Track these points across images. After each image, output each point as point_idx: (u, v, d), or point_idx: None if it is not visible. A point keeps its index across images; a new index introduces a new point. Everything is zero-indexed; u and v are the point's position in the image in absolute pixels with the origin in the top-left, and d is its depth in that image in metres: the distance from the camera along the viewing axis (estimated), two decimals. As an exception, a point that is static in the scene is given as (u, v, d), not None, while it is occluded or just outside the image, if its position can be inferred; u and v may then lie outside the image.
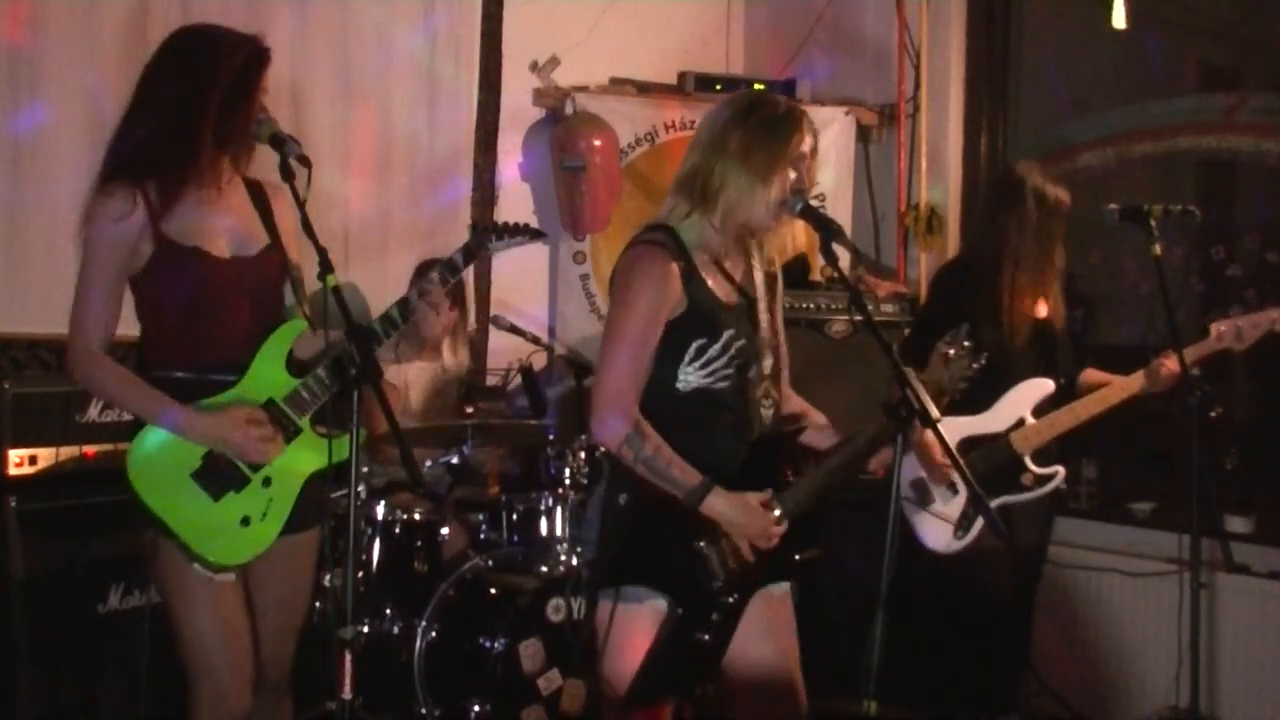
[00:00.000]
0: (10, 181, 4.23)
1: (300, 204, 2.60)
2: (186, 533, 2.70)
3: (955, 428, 3.76)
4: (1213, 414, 3.46)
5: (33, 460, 3.63)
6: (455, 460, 4.33)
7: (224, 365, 2.78)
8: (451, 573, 4.00)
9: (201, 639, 2.74)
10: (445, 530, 4.14)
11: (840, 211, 5.55)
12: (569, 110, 5.35)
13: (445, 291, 2.88)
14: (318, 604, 3.40)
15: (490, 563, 4.05)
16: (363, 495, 3.88)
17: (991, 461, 3.78)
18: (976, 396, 3.69)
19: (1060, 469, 3.86)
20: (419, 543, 4.09)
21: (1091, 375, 3.99)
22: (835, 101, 5.63)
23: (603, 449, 4.16)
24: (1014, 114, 5.48)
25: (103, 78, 4.36)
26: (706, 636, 2.66)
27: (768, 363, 2.80)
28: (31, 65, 4.27)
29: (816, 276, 4.95)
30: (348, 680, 2.47)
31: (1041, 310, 3.93)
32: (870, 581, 2.48)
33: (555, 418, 4.61)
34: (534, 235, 3.20)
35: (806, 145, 2.71)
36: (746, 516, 2.65)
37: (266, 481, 2.79)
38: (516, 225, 3.17)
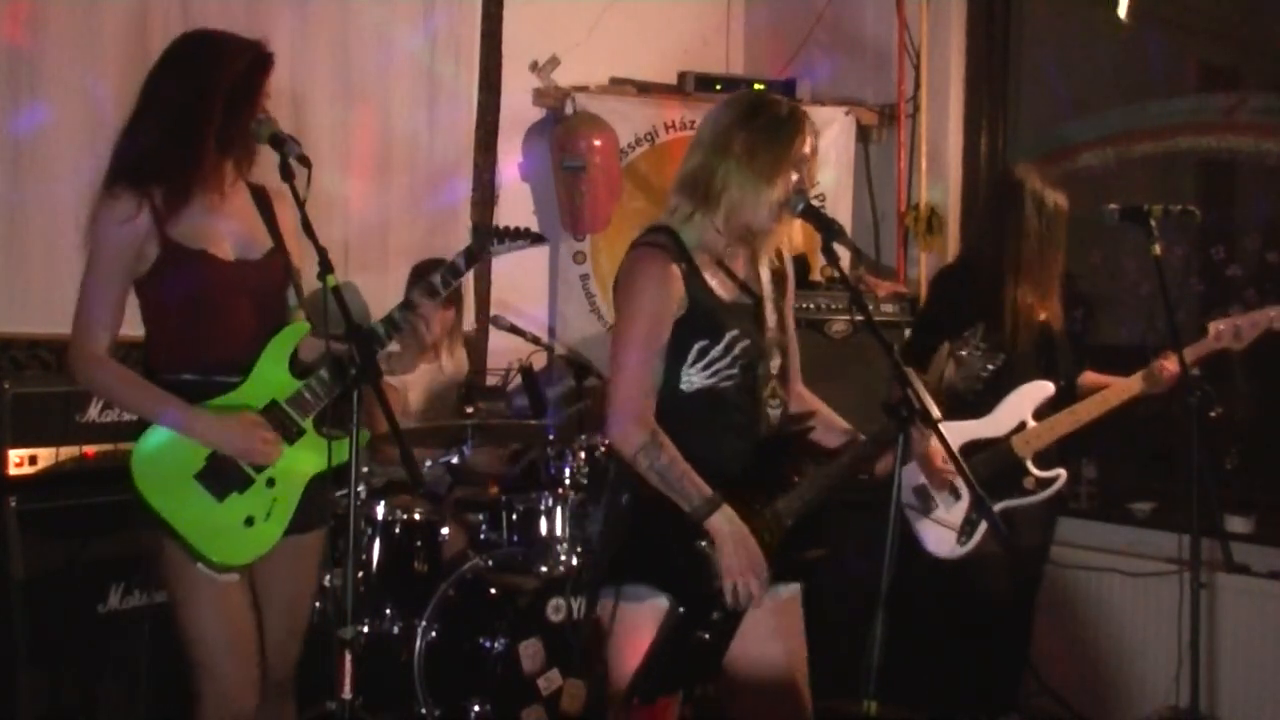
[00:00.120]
0: (10, 181, 4.23)
1: (300, 204, 2.61)
2: (190, 533, 2.71)
3: (956, 432, 3.76)
4: (1213, 414, 3.46)
5: (33, 460, 3.63)
6: (455, 460, 4.33)
7: (228, 367, 2.79)
8: (451, 573, 4.00)
9: (206, 639, 2.75)
10: (445, 530, 4.14)
11: (840, 211, 5.55)
12: (569, 110, 5.35)
13: (439, 300, 2.90)
14: (318, 604, 3.40)
15: (490, 563, 4.05)
16: (363, 495, 3.88)
17: (993, 465, 3.78)
18: (977, 400, 3.71)
19: (1062, 472, 3.86)
20: (419, 543, 4.09)
21: (1091, 378, 3.99)
22: (835, 101, 5.63)
23: (607, 451, 4.25)
24: (1014, 114, 5.47)
25: (103, 78, 4.36)
26: (707, 635, 2.66)
27: (775, 362, 2.79)
28: (31, 65, 4.27)
29: (816, 276, 4.95)
30: (348, 680, 2.48)
31: (1041, 313, 3.93)
32: (870, 582, 2.48)
33: (557, 417, 4.60)
34: (535, 240, 3.20)
35: (809, 147, 2.71)
36: (742, 553, 2.62)
37: (270, 482, 2.79)
38: (518, 229, 3.17)
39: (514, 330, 4.80)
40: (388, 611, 3.99)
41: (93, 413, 3.72)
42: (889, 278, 5.39)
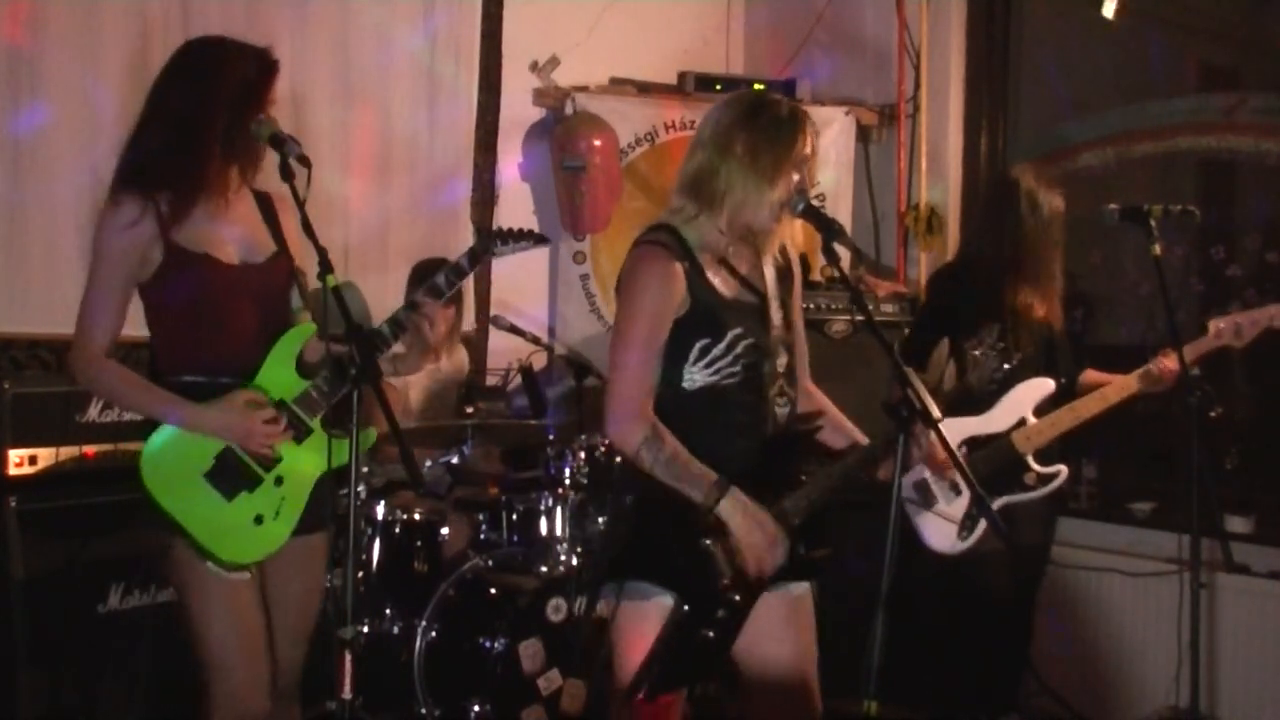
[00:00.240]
0: (10, 181, 4.24)
1: (300, 204, 2.61)
2: (200, 532, 2.72)
3: (957, 428, 3.77)
4: (1213, 414, 3.46)
5: (33, 460, 3.63)
6: (455, 460, 4.33)
7: (232, 369, 2.80)
8: (451, 573, 4.01)
9: (216, 638, 2.75)
10: (445, 530, 4.14)
11: (840, 211, 5.56)
12: (569, 110, 5.36)
13: (442, 301, 2.91)
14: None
15: (490, 563, 4.05)
16: (363, 495, 3.88)
17: (994, 462, 3.79)
18: (969, 403, 3.71)
19: (1063, 468, 3.86)
20: (419, 543, 4.09)
21: (1091, 376, 4.00)
22: (835, 101, 5.64)
23: (608, 450, 4.26)
24: (1014, 114, 5.47)
25: (103, 78, 4.36)
26: (711, 633, 2.66)
27: (781, 360, 2.79)
28: (31, 65, 4.27)
29: (816, 276, 4.95)
30: (348, 680, 2.47)
31: (1040, 312, 3.94)
32: (871, 581, 2.48)
33: (557, 417, 4.60)
34: (538, 241, 3.21)
35: (809, 147, 2.72)
36: (756, 533, 2.64)
37: (279, 481, 2.81)
38: (520, 231, 3.18)
39: (514, 330, 4.81)
40: (388, 611, 4.00)
41: (93, 413, 3.73)
42: (889, 278, 5.39)
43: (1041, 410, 3.85)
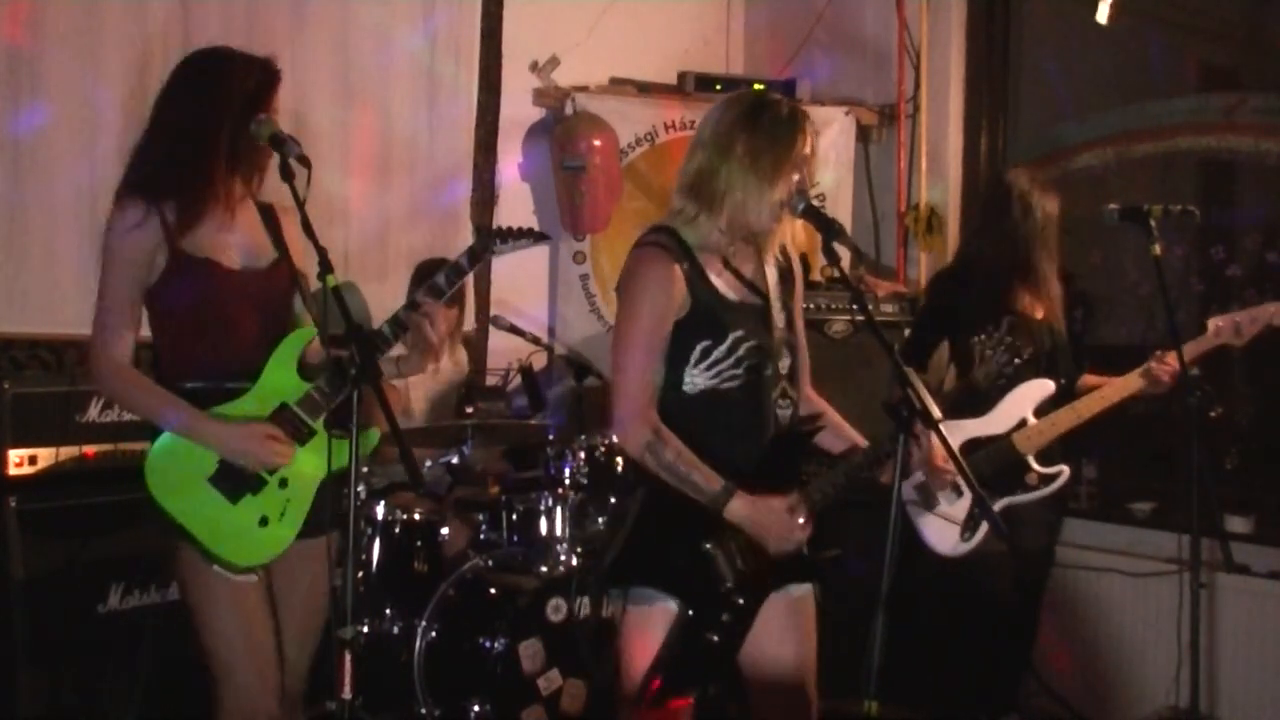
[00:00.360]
0: (10, 181, 4.24)
1: (300, 204, 2.61)
2: (205, 535, 2.73)
3: (958, 430, 3.77)
4: (1213, 414, 3.46)
5: (33, 460, 3.63)
6: (455, 460, 4.33)
7: (235, 373, 2.81)
8: (451, 573, 4.00)
9: (224, 640, 2.76)
10: (445, 530, 4.14)
11: (840, 211, 5.56)
12: (569, 110, 5.36)
13: (443, 301, 2.92)
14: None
15: (490, 563, 4.05)
16: (363, 495, 3.88)
17: (995, 462, 3.79)
18: (975, 401, 3.71)
19: (1064, 468, 3.86)
20: (419, 543, 4.09)
21: (1091, 379, 3.99)
22: (835, 101, 5.64)
23: (607, 450, 4.26)
24: (1014, 114, 5.47)
25: (103, 78, 4.37)
26: (716, 637, 2.66)
27: (784, 362, 2.79)
28: (31, 65, 4.27)
29: (816, 276, 4.95)
30: (348, 680, 2.47)
31: (1040, 311, 3.94)
32: (871, 582, 2.48)
33: (559, 417, 4.60)
34: (537, 238, 3.21)
35: (809, 147, 2.72)
36: (770, 519, 2.65)
37: (283, 483, 2.81)
38: (520, 229, 3.19)
39: (514, 330, 4.81)
40: (388, 611, 4.00)
41: (93, 413, 3.73)
42: (889, 278, 5.39)
43: (1042, 411, 3.85)
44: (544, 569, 4.04)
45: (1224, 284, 4.77)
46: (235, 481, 2.76)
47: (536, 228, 3.25)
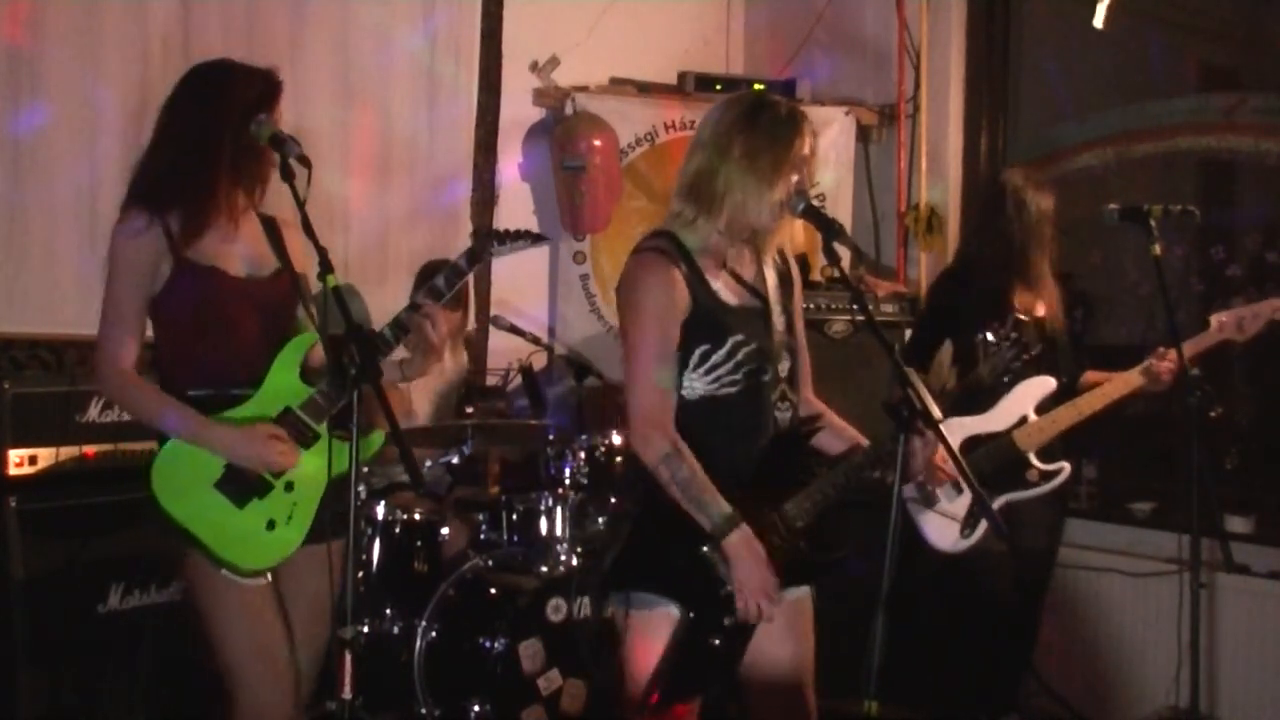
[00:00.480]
0: (10, 181, 4.23)
1: (300, 204, 2.62)
2: (212, 540, 2.73)
3: (959, 427, 3.77)
4: (1213, 414, 3.46)
5: (33, 460, 3.63)
6: (455, 460, 4.33)
7: (239, 379, 2.83)
8: (451, 573, 4.00)
9: (235, 644, 2.76)
10: (445, 530, 4.14)
11: (840, 211, 5.55)
12: (569, 110, 5.35)
13: (444, 301, 2.92)
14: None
15: (490, 563, 4.05)
16: (363, 495, 3.88)
17: (996, 460, 3.79)
18: (979, 396, 3.71)
19: (1065, 465, 3.87)
20: (419, 543, 4.09)
21: (1093, 377, 3.99)
22: (835, 101, 5.64)
23: (607, 451, 4.25)
24: (1014, 114, 5.48)
25: (103, 78, 4.37)
26: (718, 641, 2.66)
27: (784, 365, 2.78)
28: (31, 65, 4.27)
29: (816, 276, 4.95)
30: (348, 680, 2.47)
31: (1040, 310, 3.94)
32: (871, 582, 2.48)
33: (559, 417, 4.60)
34: (536, 240, 3.21)
35: (808, 147, 2.71)
36: (755, 575, 2.62)
37: (289, 486, 2.82)
38: (518, 231, 3.19)
39: (514, 330, 4.81)
40: (388, 611, 3.99)
41: (93, 413, 3.73)
42: (889, 278, 5.39)
43: (1043, 408, 3.85)
44: (544, 569, 4.05)
45: (1224, 284, 4.77)
46: (241, 486, 2.76)
47: (536, 227, 3.26)
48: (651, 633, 2.66)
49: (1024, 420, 3.84)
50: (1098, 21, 4.78)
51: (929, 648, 3.95)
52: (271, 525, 2.79)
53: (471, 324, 5.26)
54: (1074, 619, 4.68)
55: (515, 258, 3.35)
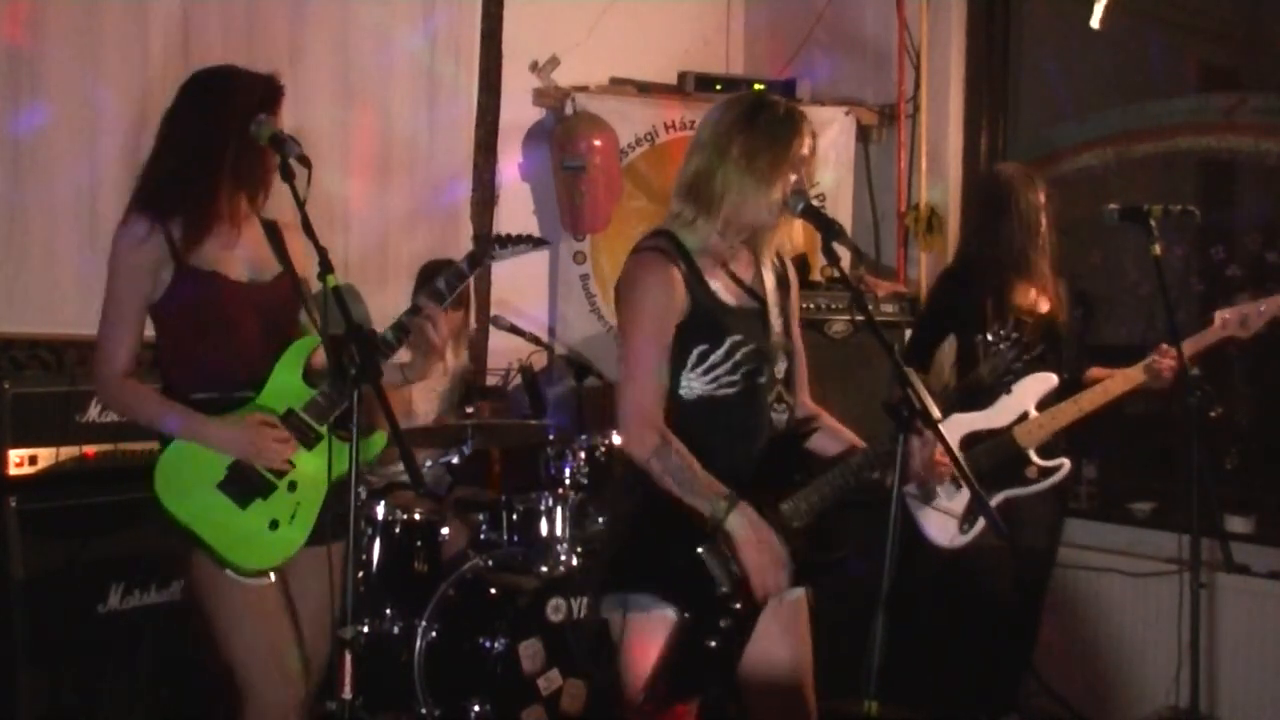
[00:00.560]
0: (10, 181, 4.23)
1: (300, 204, 2.62)
2: (216, 541, 2.75)
3: (959, 424, 3.77)
4: (1213, 414, 3.45)
5: (33, 460, 3.63)
6: (455, 460, 4.33)
7: (242, 382, 2.84)
8: (451, 573, 4.01)
9: (242, 644, 2.77)
10: (445, 530, 4.15)
11: (840, 211, 5.56)
12: (569, 110, 5.35)
13: (445, 305, 2.94)
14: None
15: (490, 563, 4.05)
16: (363, 495, 3.88)
17: (995, 456, 3.79)
18: (979, 397, 3.71)
19: (1065, 461, 3.86)
20: (419, 543, 4.09)
21: (1095, 373, 3.99)
22: (835, 101, 5.64)
23: (607, 451, 4.25)
24: (1014, 114, 5.48)
25: (103, 78, 4.37)
26: (715, 643, 2.66)
27: (780, 366, 2.78)
28: (31, 65, 4.27)
29: (816, 276, 4.95)
30: (348, 680, 2.47)
31: (1043, 305, 3.94)
32: (871, 581, 2.48)
33: (559, 417, 4.60)
34: (537, 244, 3.23)
35: (807, 147, 2.71)
36: (762, 551, 2.61)
37: (292, 486, 2.83)
38: (519, 236, 3.21)
39: (514, 330, 4.81)
40: (388, 611, 3.99)
41: (93, 413, 3.73)
42: (889, 278, 5.39)
43: (1044, 405, 3.85)
44: (544, 569, 4.05)
45: (1224, 284, 4.77)
46: (244, 487, 2.78)
47: (536, 228, 3.26)
48: (649, 636, 2.66)
49: (1025, 416, 3.84)
50: (1095, 21, 4.78)
51: (929, 648, 3.95)
52: (275, 525, 2.80)
53: (471, 324, 5.26)
54: (1074, 619, 4.68)
55: (515, 258, 3.36)
